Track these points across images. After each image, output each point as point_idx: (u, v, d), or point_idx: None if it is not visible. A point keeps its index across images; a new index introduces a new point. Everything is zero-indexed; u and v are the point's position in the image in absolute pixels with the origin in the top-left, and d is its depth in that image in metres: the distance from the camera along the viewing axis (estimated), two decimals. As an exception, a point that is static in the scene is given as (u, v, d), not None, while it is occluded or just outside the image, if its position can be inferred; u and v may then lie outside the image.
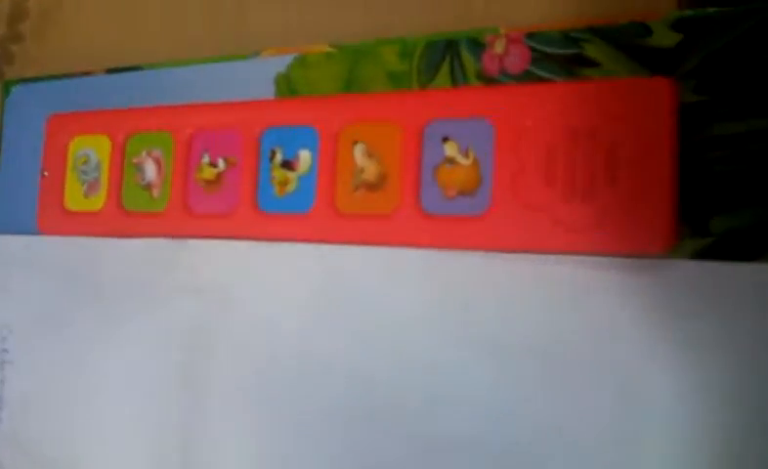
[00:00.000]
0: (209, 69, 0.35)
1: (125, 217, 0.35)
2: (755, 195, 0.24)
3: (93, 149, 0.37)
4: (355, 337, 0.30)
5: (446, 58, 0.30)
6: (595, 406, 0.25)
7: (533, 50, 0.28)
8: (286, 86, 0.33)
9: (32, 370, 0.38)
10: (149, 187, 0.35)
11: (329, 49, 0.32)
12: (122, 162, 0.36)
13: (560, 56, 0.28)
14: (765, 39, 0.25)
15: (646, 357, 0.25)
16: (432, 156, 0.29)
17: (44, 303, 0.38)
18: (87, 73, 0.39)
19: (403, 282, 0.29)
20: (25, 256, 0.39)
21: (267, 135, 0.32)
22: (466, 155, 0.28)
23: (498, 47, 0.29)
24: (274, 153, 0.32)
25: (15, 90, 0.41)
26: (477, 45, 0.29)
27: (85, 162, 0.37)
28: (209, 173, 0.34)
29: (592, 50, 0.27)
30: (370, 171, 0.30)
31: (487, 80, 0.29)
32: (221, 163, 0.33)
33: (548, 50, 0.28)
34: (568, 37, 0.28)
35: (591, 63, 0.27)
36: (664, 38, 0.26)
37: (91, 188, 0.37)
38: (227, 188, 0.33)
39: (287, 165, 0.32)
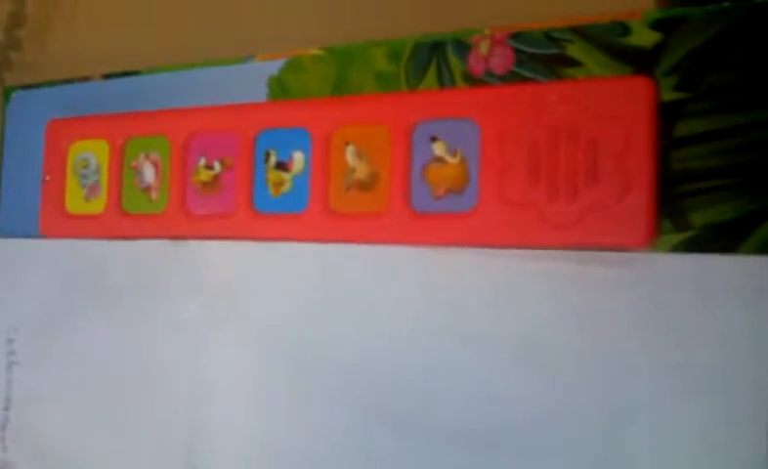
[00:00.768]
0: (204, 74, 0.36)
1: (125, 219, 0.36)
2: (734, 189, 0.25)
3: (92, 153, 0.38)
4: (350, 332, 0.31)
5: (432, 59, 0.31)
6: (582, 397, 0.26)
7: (517, 51, 0.29)
8: (279, 89, 0.34)
9: (39, 371, 0.39)
10: (147, 189, 0.36)
11: (319, 52, 0.33)
12: (121, 166, 0.37)
13: (543, 56, 0.28)
14: (743, 37, 0.25)
15: (629, 347, 0.26)
16: (421, 156, 0.29)
17: (48, 304, 0.39)
18: (85, 79, 0.40)
19: (394, 278, 0.30)
20: (29, 259, 0.40)
21: (261, 137, 0.33)
22: (454, 155, 0.29)
23: (483, 48, 0.29)
24: (268, 155, 0.33)
25: (15, 96, 0.42)
26: (463, 46, 0.30)
27: (85, 166, 0.38)
28: (206, 175, 0.34)
29: (574, 49, 0.28)
30: (362, 171, 0.30)
31: (473, 81, 0.30)
32: (217, 165, 0.34)
33: (531, 50, 0.29)
34: (550, 37, 0.28)
35: (574, 63, 0.28)
36: (644, 37, 0.27)
37: (91, 191, 0.38)
38: (223, 189, 0.34)
39: (281, 166, 0.33)
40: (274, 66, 0.34)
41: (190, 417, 0.34)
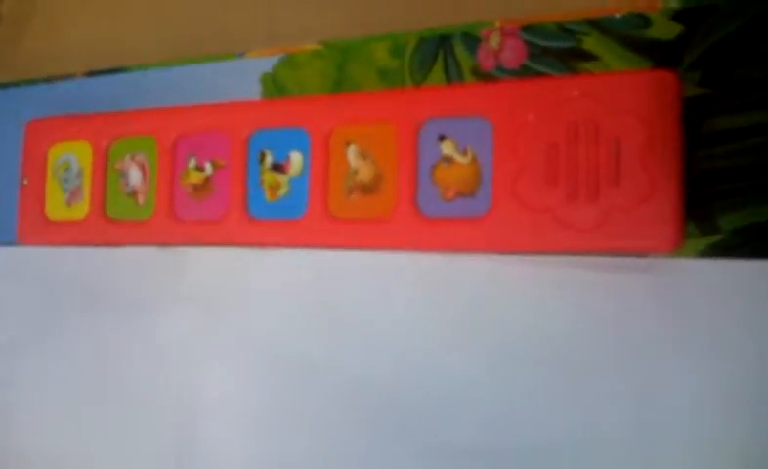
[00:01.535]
0: (192, 70, 0.34)
1: (110, 225, 0.34)
2: (764, 190, 0.24)
3: (74, 155, 0.36)
4: (353, 344, 0.29)
5: (439, 54, 0.29)
6: (606, 410, 0.25)
7: (530, 44, 0.27)
8: (273, 86, 0.32)
9: (17, 382, 0.37)
10: (133, 193, 0.34)
11: (317, 47, 0.31)
12: (105, 168, 0.35)
13: (557, 49, 0.27)
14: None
15: (657, 358, 0.24)
16: (429, 156, 0.28)
17: (27, 317, 0.37)
18: (67, 76, 0.38)
19: (401, 288, 0.28)
20: (6, 269, 0.38)
21: (255, 137, 0.31)
22: (464, 154, 0.27)
23: (494, 41, 0.28)
24: (263, 156, 0.31)
25: (-9, 96, 0.40)
26: (471, 40, 0.28)
27: (66, 169, 0.36)
28: (196, 177, 0.32)
29: (591, 42, 0.27)
30: (365, 172, 0.29)
31: (482, 76, 0.28)
32: (208, 167, 0.32)
33: (545, 44, 0.27)
34: (565, 30, 0.27)
35: (590, 57, 0.26)
36: (665, 30, 0.26)
37: (73, 195, 0.35)
38: (215, 193, 0.32)
39: (278, 168, 0.31)
40: (267, 63, 0.32)
41: (177, 434, 0.32)
